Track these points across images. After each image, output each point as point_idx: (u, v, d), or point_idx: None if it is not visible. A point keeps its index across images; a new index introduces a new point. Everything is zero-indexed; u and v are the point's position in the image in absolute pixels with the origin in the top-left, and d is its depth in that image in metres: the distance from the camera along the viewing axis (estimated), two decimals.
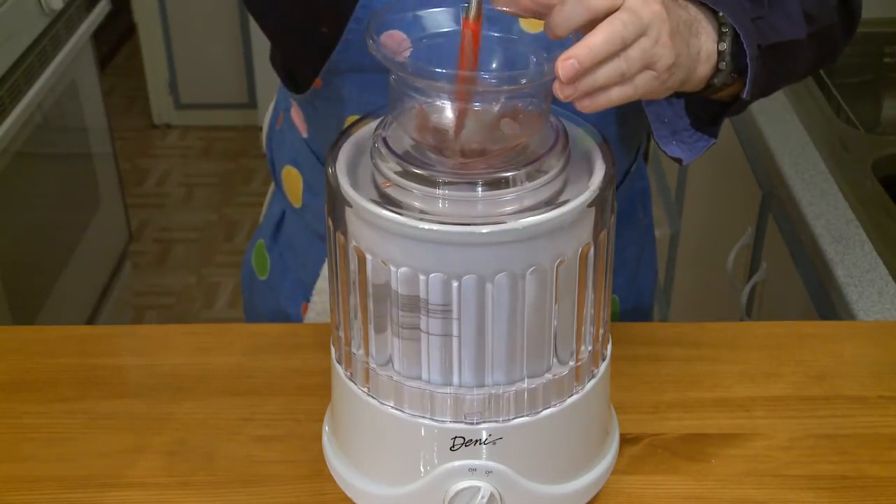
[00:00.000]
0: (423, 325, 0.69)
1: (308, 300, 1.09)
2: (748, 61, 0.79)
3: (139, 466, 0.82)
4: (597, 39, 0.67)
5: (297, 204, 1.08)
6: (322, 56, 0.92)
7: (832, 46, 0.94)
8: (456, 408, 0.71)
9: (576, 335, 0.72)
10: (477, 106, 0.69)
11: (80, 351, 0.95)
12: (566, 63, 0.66)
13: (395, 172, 0.68)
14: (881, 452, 0.84)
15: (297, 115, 1.04)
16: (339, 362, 0.76)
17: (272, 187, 1.18)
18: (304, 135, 1.04)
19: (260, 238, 1.16)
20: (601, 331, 0.75)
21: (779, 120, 1.54)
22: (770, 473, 0.82)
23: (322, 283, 1.08)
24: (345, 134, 0.74)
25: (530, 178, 0.68)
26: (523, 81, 0.68)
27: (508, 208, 0.67)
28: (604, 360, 0.77)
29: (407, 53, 0.73)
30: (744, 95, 0.82)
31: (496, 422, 0.72)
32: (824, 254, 1.24)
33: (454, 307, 0.68)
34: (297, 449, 0.84)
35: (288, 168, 1.08)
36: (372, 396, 0.73)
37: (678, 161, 0.88)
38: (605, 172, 0.70)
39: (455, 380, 0.70)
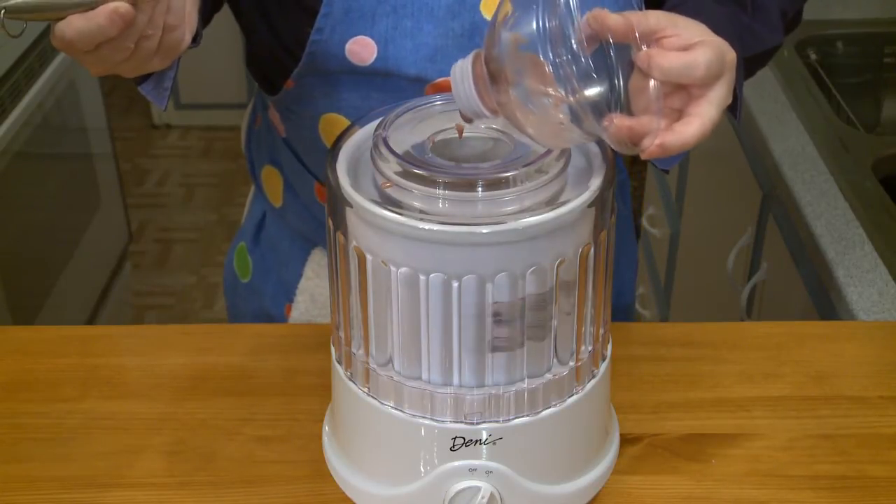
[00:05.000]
0: (423, 326, 0.69)
1: (291, 301, 1.09)
2: (737, 93, 0.80)
3: (139, 466, 0.82)
4: (690, 136, 0.68)
5: (278, 203, 1.08)
6: (292, 62, 0.92)
7: (796, 24, 0.97)
8: (456, 408, 0.71)
9: (576, 335, 0.72)
10: None
11: (80, 351, 0.95)
12: (653, 149, 0.67)
13: (396, 172, 0.68)
14: (881, 452, 0.84)
15: (274, 116, 1.04)
16: (339, 362, 0.76)
17: (252, 190, 1.18)
18: (283, 134, 1.04)
19: (241, 241, 1.16)
20: (601, 331, 0.75)
21: (779, 120, 1.54)
22: (770, 473, 0.82)
23: (305, 283, 1.08)
24: (345, 134, 0.74)
25: (530, 178, 0.68)
26: None
27: (509, 208, 0.67)
28: (604, 360, 0.77)
29: None
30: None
31: (496, 422, 0.72)
32: (824, 254, 1.24)
33: (454, 307, 0.68)
34: (297, 449, 0.84)
35: (268, 168, 1.08)
36: (372, 396, 0.73)
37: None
38: (606, 172, 0.70)
39: (455, 380, 0.70)
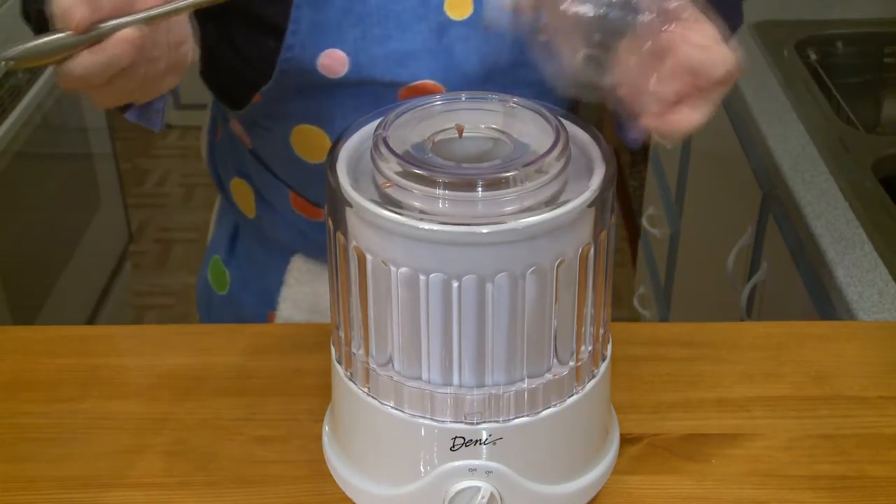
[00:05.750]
0: (423, 326, 0.69)
1: (274, 309, 1.08)
2: None
3: (139, 466, 0.82)
4: (686, 127, 0.70)
5: (251, 215, 1.07)
6: (260, 79, 0.92)
7: None
8: (456, 408, 0.71)
9: (576, 335, 0.72)
10: None
11: (80, 351, 0.95)
12: (650, 126, 0.70)
13: (396, 172, 0.68)
14: (881, 452, 0.84)
15: (237, 128, 1.03)
16: (339, 362, 0.76)
17: (218, 202, 1.16)
18: (249, 146, 1.03)
19: (214, 254, 1.15)
20: (601, 331, 0.75)
21: (779, 120, 1.54)
22: (770, 473, 0.82)
23: (287, 291, 1.07)
24: (345, 134, 0.74)
25: (530, 178, 0.68)
26: None
27: (508, 208, 0.67)
28: (604, 360, 0.77)
29: None
30: None
31: (496, 422, 0.72)
32: (824, 254, 1.24)
33: (454, 307, 0.68)
34: (297, 449, 0.84)
35: (236, 180, 1.07)
36: (372, 396, 0.73)
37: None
38: (605, 172, 0.70)
39: (455, 380, 0.70)
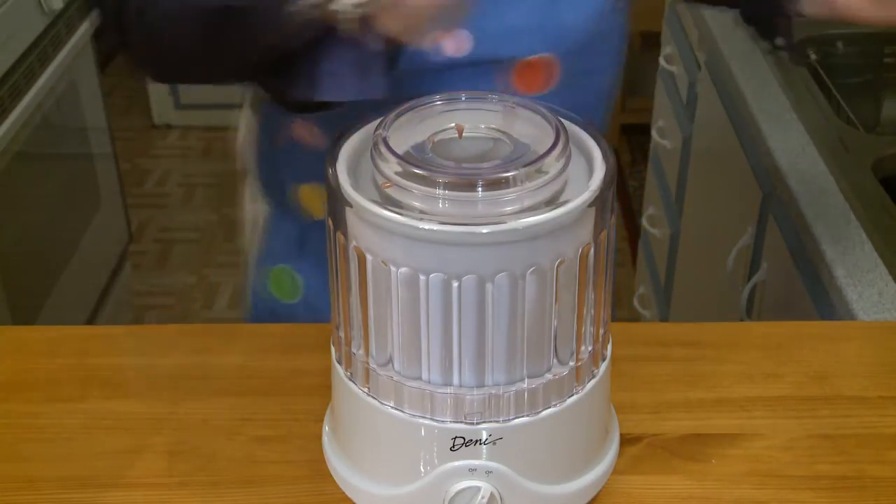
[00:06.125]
0: (423, 326, 0.69)
1: None
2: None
3: (139, 466, 0.82)
4: None
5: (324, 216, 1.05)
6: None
7: None
8: (456, 408, 0.71)
9: (576, 335, 0.72)
10: None
11: (80, 351, 0.95)
12: None
13: (396, 172, 0.68)
14: (881, 452, 0.84)
15: (305, 130, 1.01)
16: (339, 362, 0.76)
17: (268, 212, 1.12)
18: (322, 147, 1.01)
19: (278, 264, 1.11)
20: (601, 331, 0.75)
21: (779, 120, 1.54)
22: (770, 473, 0.82)
23: None
24: (345, 134, 0.74)
25: (530, 178, 0.68)
26: None
27: (509, 208, 0.67)
28: (604, 360, 0.77)
29: None
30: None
31: (496, 422, 0.72)
32: (824, 254, 1.24)
33: (454, 307, 0.68)
34: (297, 449, 0.84)
35: (306, 186, 1.04)
36: (372, 396, 0.73)
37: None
38: (606, 172, 0.70)
39: (455, 380, 0.71)
